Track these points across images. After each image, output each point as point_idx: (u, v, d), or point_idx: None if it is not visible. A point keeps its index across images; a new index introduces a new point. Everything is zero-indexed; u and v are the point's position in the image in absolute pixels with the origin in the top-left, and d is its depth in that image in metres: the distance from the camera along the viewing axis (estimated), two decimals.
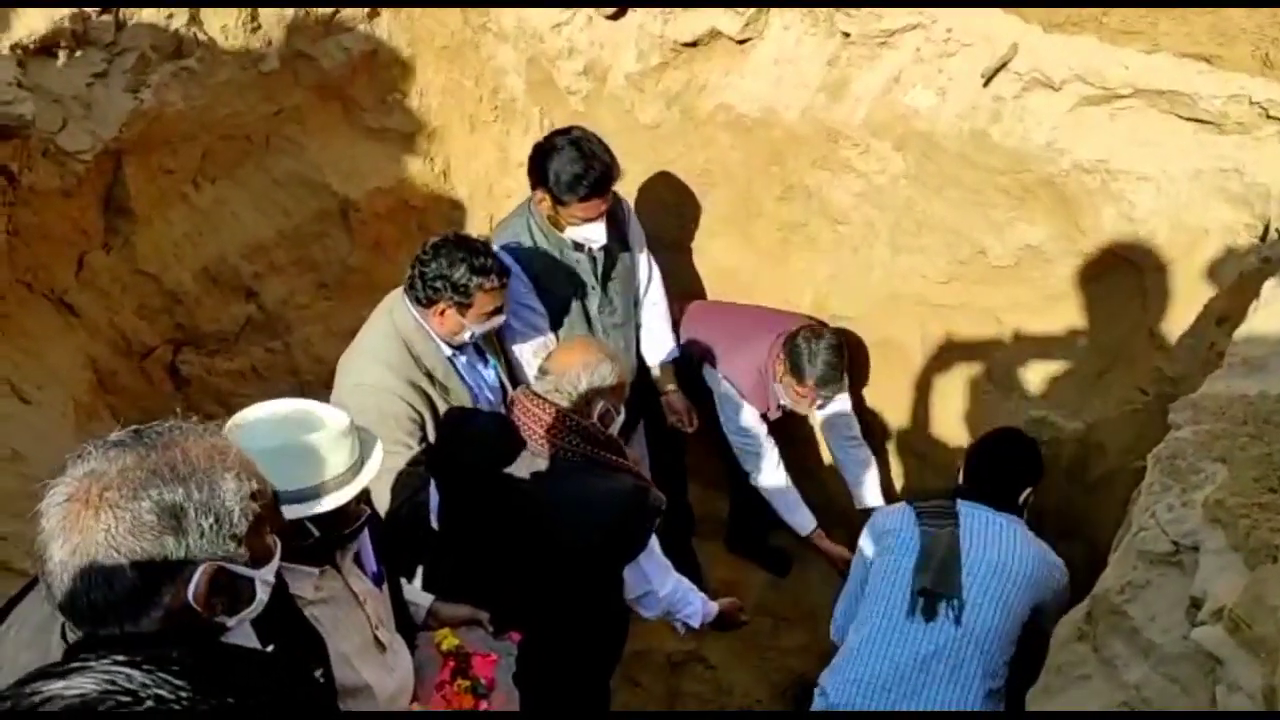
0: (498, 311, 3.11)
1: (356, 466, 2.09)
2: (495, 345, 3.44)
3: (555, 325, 3.57)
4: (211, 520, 1.37)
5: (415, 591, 2.69)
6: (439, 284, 2.99)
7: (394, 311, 3.13)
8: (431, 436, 3.06)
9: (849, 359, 3.72)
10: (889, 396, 3.98)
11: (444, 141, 4.50)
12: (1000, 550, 2.83)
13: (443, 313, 3.05)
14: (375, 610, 2.30)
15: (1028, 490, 3.04)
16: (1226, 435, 1.86)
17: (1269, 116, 2.85)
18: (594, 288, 3.58)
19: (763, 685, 4.13)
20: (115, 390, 3.72)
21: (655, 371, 3.93)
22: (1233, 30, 2.90)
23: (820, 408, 3.80)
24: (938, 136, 3.37)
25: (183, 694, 0.85)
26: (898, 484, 4.17)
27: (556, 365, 2.83)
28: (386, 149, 4.44)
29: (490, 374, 3.37)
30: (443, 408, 3.09)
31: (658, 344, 3.90)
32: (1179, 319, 3.06)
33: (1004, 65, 3.21)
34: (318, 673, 1.83)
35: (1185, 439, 1.92)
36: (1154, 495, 1.87)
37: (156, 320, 3.87)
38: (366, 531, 2.29)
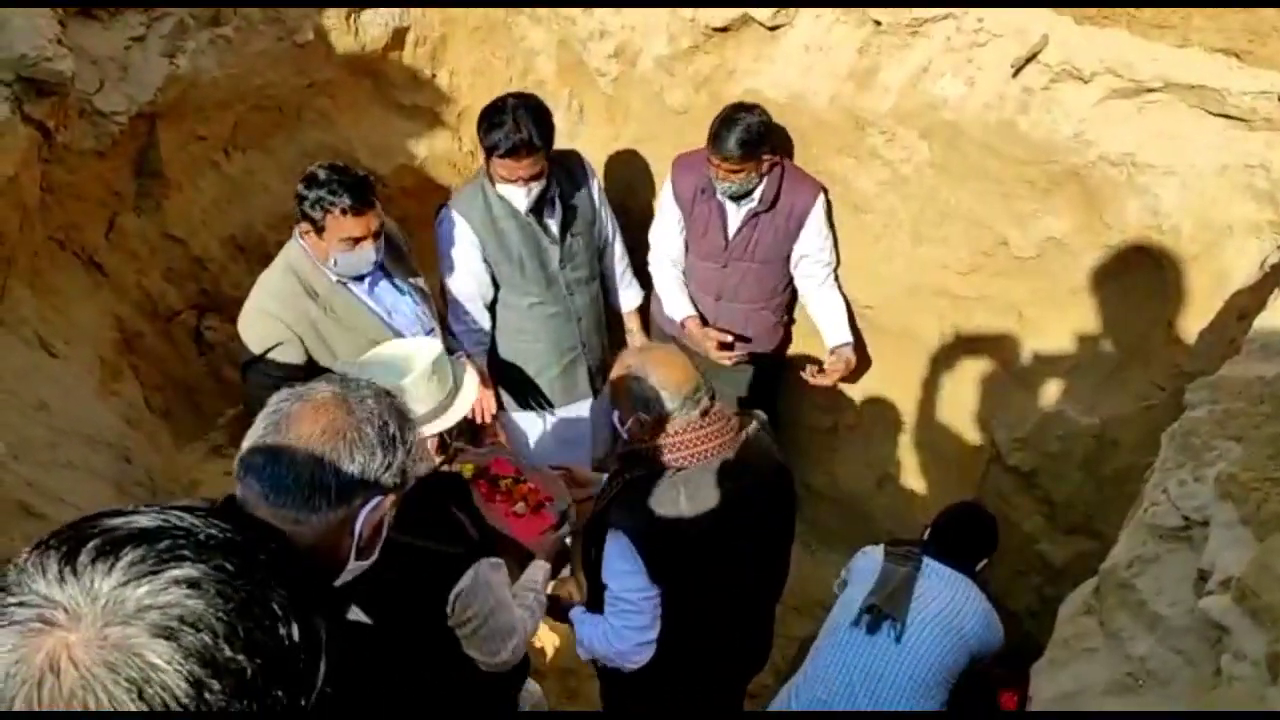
0: (361, 240, 2.98)
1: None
2: (410, 272, 3.36)
3: (519, 279, 3.66)
4: (402, 457, 1.54)
5: None
6: (302, 207, 2.95)
7: (289, 242, 3.12)
8: (314, 349, 3.06)
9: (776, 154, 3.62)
10: (906, 386, 3.98)
11: (472, 121, 4.48)
12: (953, 599, 2.94)
13: (305, 234, 3.03)
14: None
15: (984, 561, 3.16)
16: (1242, 414, 1.86)
17: None
18: (554, 243, 3.64)
19: (769, 672, 4.12)
20: (139, 351, 3.76)
21: (626, 316, 4.11)
22: (1265, 28, 2.89)
23: (728, 188, 3.57)
24: (964, 126, 3.36)
25: (229, 534, 0.93)
26: (910, 477, 4.17)
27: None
28: (415, 126, 4.49)
29: (406, 303, 3.29)
30: (327, 325, 3.07)
31: (621, 288, 4.05)
32: (1199, 315, 3.05)
33: (1034, 56, 3.21)
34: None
35: (1200, 418, 1.92)
36: (1166, 471, 1.87)
37: (183, 284, 3.92)
38: None
